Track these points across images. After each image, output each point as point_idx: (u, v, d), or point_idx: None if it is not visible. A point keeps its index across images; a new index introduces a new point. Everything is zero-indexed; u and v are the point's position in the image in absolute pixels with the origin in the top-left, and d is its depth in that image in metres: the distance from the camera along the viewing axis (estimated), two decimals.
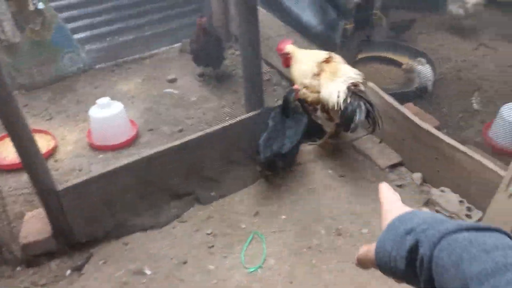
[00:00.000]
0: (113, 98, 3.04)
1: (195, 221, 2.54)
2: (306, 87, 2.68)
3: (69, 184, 2.25)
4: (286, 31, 3.26)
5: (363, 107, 2.44)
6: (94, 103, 2.99)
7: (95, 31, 3.93)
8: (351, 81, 2.53)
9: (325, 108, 2.61)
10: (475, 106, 3.29)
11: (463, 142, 2.56)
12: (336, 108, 2.50)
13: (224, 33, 4.01)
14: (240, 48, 2.60)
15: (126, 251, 2.38)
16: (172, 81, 3.66)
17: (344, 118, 2.48)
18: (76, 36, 3.80)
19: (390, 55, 3.68)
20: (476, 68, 3.74)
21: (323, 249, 2.35)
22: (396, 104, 2.76)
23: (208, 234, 2.45)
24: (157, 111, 3.30)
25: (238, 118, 2.68)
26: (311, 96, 2.64)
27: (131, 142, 3.05)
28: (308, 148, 2.95)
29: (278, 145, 2.55)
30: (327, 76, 2.60)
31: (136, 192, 2.46)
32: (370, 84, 2.85)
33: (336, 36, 2.92)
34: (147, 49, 4.07)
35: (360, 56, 3.52)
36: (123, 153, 2.98)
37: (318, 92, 2.62)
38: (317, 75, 2.63)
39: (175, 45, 4.16)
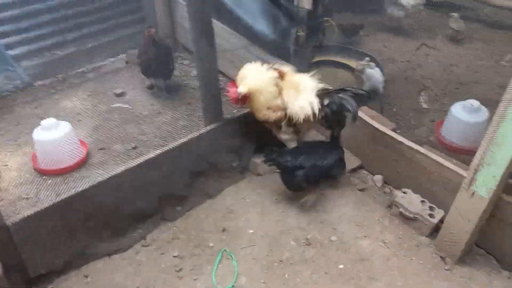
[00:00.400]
0: (57, 117, 2.83)
1: (160, 243, 2.43)
2: (268, 108, 2.57)
3: (20, 216, 2.07)
4: (239, 40, 3.21)
5: (347, 97, 2.50)
6: (36, 124, 2.77)
7: (32, 46, 3.66)
8: (317, 89, 2.55)
9: (291, 122, 2.56)
10: (424, 105, 3.42)
11: (417, 142, 2.64)
12: (312, 119, 2.51)
13: (171, 42, 3.89)
14: (196, 62, 2.52)
15: (88, 283, 2.22)
16: (121, 95, 3.48)
17: (334, 116, 2.54)
18: (11, 52, 3.52)
19: (340, 59, 3.74)
20: (420, 68, 3.89)
21: (294, 261, 2.32)
22: None
23: (175, 256, 2.35)
24: (107, 128, 3.12)
25: (198, 132, 2.60)
26: (274, 116, 2.55)
27: (82, 164, 2.86)
28: None
29: (286, 159, 2.55)
30: (290, 93, 2.56)
31: (95, 218, 2.31)
32: None
33: (289, 43, 2.91)
34: (90, 62, 3.86)
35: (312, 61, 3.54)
36: (74, 176, 2.78)
37: (282, 109, 2.55)
38: (278, 94, 2.57)
39: (120, 56, 3.98)
